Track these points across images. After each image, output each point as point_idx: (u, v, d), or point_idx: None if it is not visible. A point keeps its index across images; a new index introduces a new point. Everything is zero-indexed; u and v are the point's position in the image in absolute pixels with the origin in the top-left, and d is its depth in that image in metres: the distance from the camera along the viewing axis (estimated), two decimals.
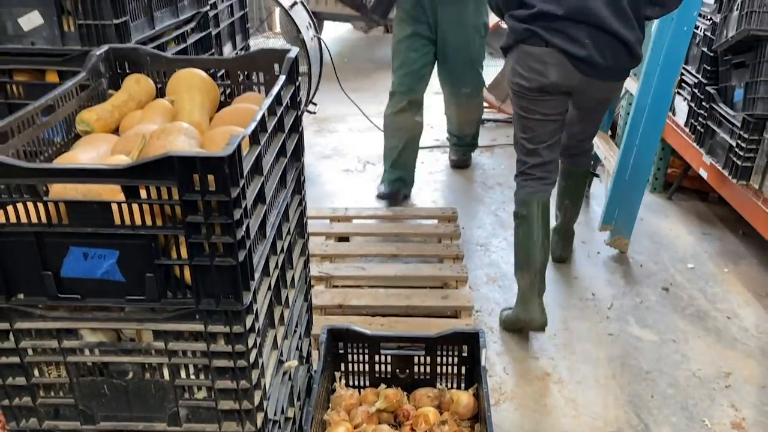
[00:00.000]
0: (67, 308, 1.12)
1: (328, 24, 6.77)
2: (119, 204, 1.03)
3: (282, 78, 1.42)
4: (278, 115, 1.35)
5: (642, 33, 2.21)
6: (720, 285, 2.92)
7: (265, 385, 1.22)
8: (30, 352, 1.16)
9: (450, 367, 1.96)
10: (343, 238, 3.09)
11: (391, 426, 1.80)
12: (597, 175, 3.60)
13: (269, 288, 1.29)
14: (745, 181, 2.71)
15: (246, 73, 1.61)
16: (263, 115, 1.22)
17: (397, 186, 3.51)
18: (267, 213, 1.24)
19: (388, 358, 1.95)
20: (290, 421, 1.54)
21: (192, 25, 2.12)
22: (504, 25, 4.43)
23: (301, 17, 3.86)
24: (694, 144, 3.15)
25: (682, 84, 3.32)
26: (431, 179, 3.92)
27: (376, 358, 1.95)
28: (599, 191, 3.64)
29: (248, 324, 1.11)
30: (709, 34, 2.97)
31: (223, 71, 1.83)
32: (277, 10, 5.32)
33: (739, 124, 2.68)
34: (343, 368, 1.97)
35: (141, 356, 1.15)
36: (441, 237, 3.03)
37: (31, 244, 1.06)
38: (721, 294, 2.86)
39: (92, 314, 1.11)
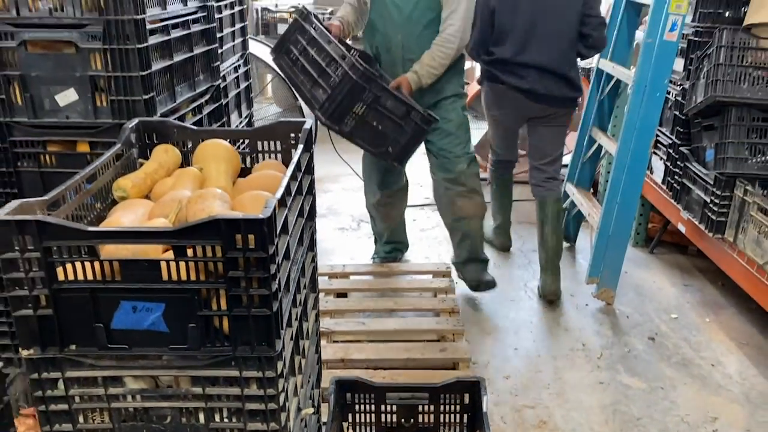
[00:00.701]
0: (114, 357, 1.23)
1: None
2: (167, 262, 1.16)
3: (300, 147, 1.58)
4: (299, 180, 1.50)
5: (577, 70, 3.17)
6: (703, 334, 3.06)
7: (290, 428, 1.33)
8: (77, 399, 1.26)
9: (453, 416, 2.05)
10: (342, 294, 3.21)
11: None
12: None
13: (291, 338, 1.41)
14: (720, 235, 2.89)
15: (264, 142, 1.76)
16: (289, 181, 1.37)
17: (393, 255, 3.59)
18: (290, 268, 1.38)
19: (394, 407, 2.04)
20: None
21: (206, 97, 2.30)
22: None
23: None
24: (672, 200, 3.35)
25: (658, 144, 3.55)
26: (423, 236, 4.07)
27: (382, 407, 2.04)
28: (585, 245, 3.81)
29: (279, 369, 1.23)
30: (680, 99, 3.21)
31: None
32: (268, 77, 5.57)
33: (711, 182, 2.89)
34: (350, 419, 2.06)
35: (179, 401, 1.26)
36: (436, 291, 3.16)
37: (86, 299, 1.18)
38: (705, 342, 2.99)
39: (137, 362, 1.23)
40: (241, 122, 2.89)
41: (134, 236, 1.15)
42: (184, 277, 1.17)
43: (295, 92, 2.95)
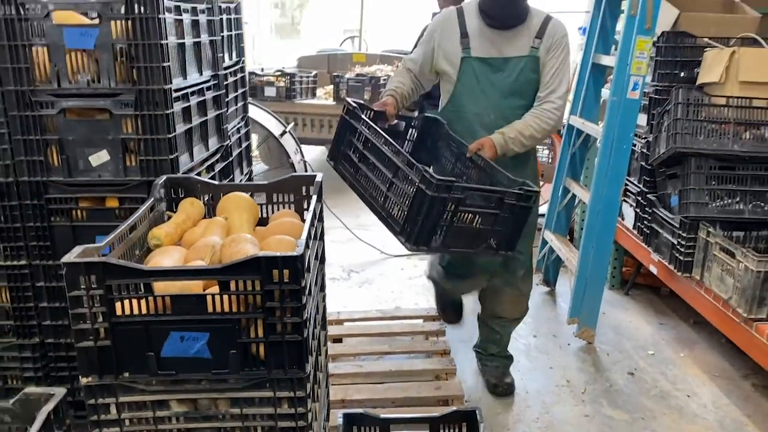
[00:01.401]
0: (162, 382, 1.40)
1: (305, 147, 7.31)
2: (213, 295, 1.35)
3: (314, 198, 1.80)
4: (315, 226, 1.71)
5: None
6: (678, 368, 3.27)
7: None
8: (127, 422, 1.42)
9: None
10: (337, 340, 3.37)
11: None
12: None
13: (313, 365, 1.59)
14: (688, 274, 3.13)
15: (277, 194, 1.97)
16: (309, 225, 1.58)
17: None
18: (310, 303, 1.57)
19: None
20: None
21: (217, 156, 2.51)
22: None
23: (290, 144, 4.33)
24: (643, 244, 3.60)
25: (627, 193, 3.83)
26: (411, 284, 4.27)
27: None
28: (564, 289, 4.04)
29: (308, 389, 1.41)
30: (645, 150, 3.51)
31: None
32: (255, 137, 5.83)
33: (677, 225, 3.15)
34: None
35: (218, 422, 1.43)
36: (428, 334, 3.34)
37: (140, 331, 1.36)
38: (680, 376, 3.20)
39: (183, 386, 1.40)
40: (242, 178, 3.10)
41: (187, 274, 1.34)
42: (227, 309, 1.36)
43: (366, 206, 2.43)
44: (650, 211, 3.47)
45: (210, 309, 1.36)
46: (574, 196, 3.88)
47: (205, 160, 2.43)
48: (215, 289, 1.37)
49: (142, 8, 1.89)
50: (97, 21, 1.91)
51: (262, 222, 1.92)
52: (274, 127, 4.45)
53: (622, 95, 3.05)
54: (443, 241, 2.15)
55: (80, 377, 1.38)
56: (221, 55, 2.58)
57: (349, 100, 2.39)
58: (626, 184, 3.79)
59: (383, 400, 2.80)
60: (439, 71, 2.62)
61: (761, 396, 3.01)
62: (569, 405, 2.95)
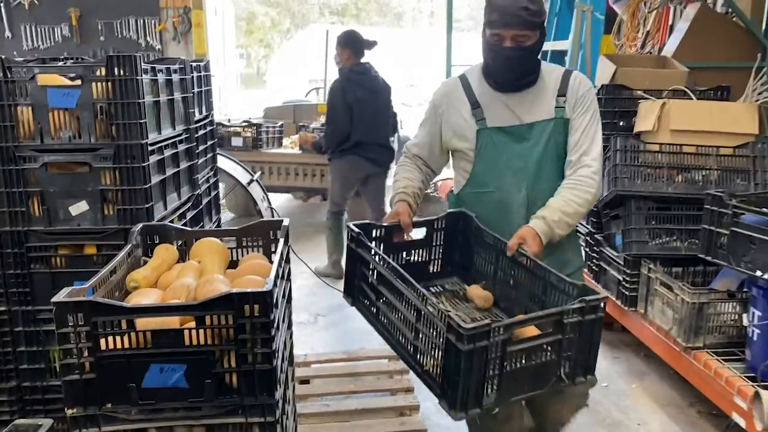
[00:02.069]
0: (142, 411, 1.52)
1: (272, 195, 7.47)
2: (190, 330, 1.49)
3: (281, 241, 1.96)
4: (282, 266, 1.87)
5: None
6: (630, 399, 3.45)
7: None
8: None
9: None
10: (305, 381, 3.47)
11: None
12: None
13: (282, 395, 1.72)
14: (634, 308, 3.35)
15: (246, 238, 2.13)
16: (277, 265, 1.74)
17: None
18: (278, 335, 1.71)
19: None
20: None
21: (189, 204, 2.67)
22: (429, 192, 5.21)
23: (257, 192, 4.49)
24: (593, 281, 3.83)
25: (578, 233, 4.07)
26: None
27: None
28: None
29: (277, 415, 1.55)
30: None
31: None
32: (221, 185, 5.99)
33: (622, 263, 3.38)
34: None
35: None
36: (392, 373, 3.47)
37: (122, 364, 1.49)
38: (632, 406, 3.38)
39: (162, 415, 1.52)
40: (211, 226, 3.24)
41: (167, 310, 1.49)
42: (202, 342, 1.50)
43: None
44: (598, 250, 3.71)
45: (187, 342, 1.50)
46: None
47: (178, 208, 2.58)
48: (192, 324, 1.51)
49: (120, 71, 2.06)
50: (79, 82, 2.07)
51: (233, 265, 2.06)
52: (241, 176, 4.61)
53: None
54: (498, 393, 1.67)
55: (66, 409, 1.49)
56: (192, 110, 2.75)
57: (351, 225, 2.06)
58: (577, 226, 4.03)
59: None
60: (451, 150, 2.29)
61: (706, 422, 3.20)
62: None
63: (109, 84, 2.07)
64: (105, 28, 7.83)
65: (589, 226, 3.85)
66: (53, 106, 2.07)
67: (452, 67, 7.25)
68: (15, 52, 7.44)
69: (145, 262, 1.99)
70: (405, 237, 2.18)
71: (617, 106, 3.58)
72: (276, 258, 1.79)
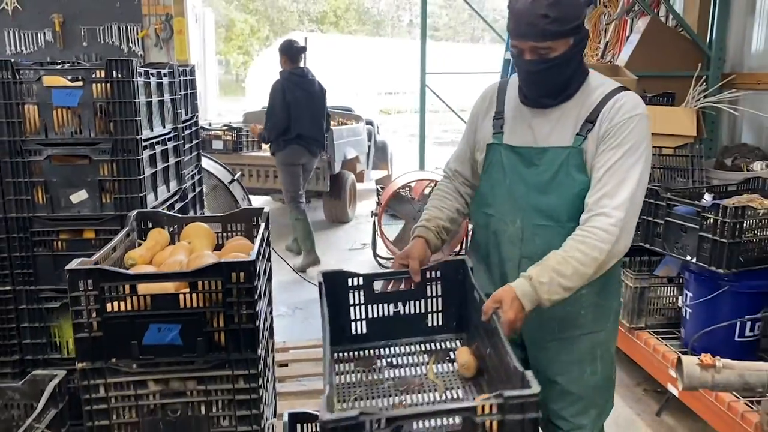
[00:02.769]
0: (142, 365, 1.77)
1: (251, 197, 7.70)
2: (184, 294, 1.74)
3: (263, 225, 2.22)
4: (263, 246, 2.12)
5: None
6: None
7: (265, 414, 1.88)
8: (113, 400, 1.77)
9: None
10: (283, 364, 3.72)
11: None
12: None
13: (263, 350, 1.98)
14: None
15: (230, 224, 2.38)
16: (259, 243, 1.99)
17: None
18: (261, 300, 1.97)
19: None
20: None
21: (176, 197, 2.91)
22: (402, 192, 5.48)
23: (238, 192, 4.74)
24: None
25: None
26: None
27: None
28: None
29: (259, 368, 1.80)
30: None
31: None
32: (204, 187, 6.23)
33: None
34: None
35: (187, 397, 1.80)
36: None
37: (125, 324, 1.74)
38: None
39: (159, 369, 1.77)
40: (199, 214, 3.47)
41: (165, 277, 1.74)
42: (195, 304, 1.75)
43: None
44: None
45: (182, 305, 1.75)
46: None
47: (166, 200, 2.82)
48: (186, 289, 1.76)
49: (118, 73, 2.31)
50: (80, 83, 2.31)
51: (218, 248, 2.31)
52: (223, 176, 4.85)
53: None
54: None
55: (77, 362, 1.73)
56: (180, 111, 3.00)
57: (320, 274, 1.87)
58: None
59: None
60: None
61: (650, 398, 3.51)
62: None
63: (108, 85, 2.31)
64: (88, 33, 8.00)
65: None
66: (57, 105, 2.30)
67: (426, 75, 7.54)
68: None
69: (140, 245, 2.24)
70: (404, 285, 1.87)
71: None
72: (257, 239, 2.05)
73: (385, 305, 1.87)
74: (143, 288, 1.76)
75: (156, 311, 1.75)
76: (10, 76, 2.28)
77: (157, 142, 2.66)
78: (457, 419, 1.26)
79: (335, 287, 1.84)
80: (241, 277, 1.75)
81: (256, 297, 1.78)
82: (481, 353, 1.65)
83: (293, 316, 4.73)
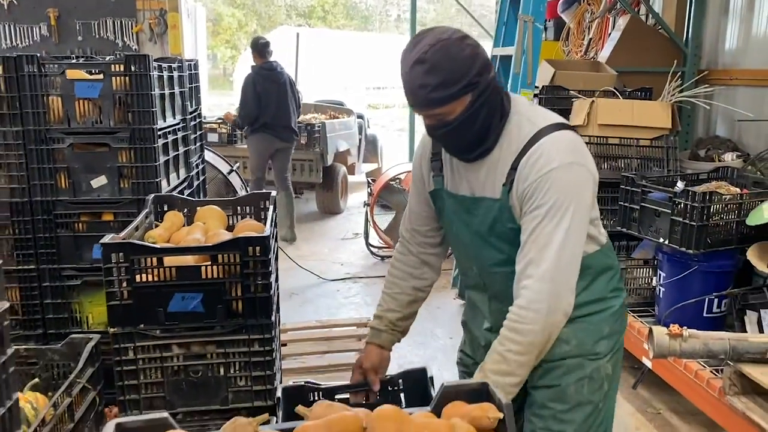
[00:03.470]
0: (167, 331, 1.96)
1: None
2: (205, 266, 1.94)
3: (271, 208, 2.42)
4: (272, 227, 2.32)
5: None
6: None
7: (277, 376, 2.08)
8: (141, 362, 1.97)
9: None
10: (283, 344, 3.92)
11: None
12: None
13: (275, 316, 2.18)
14: None
15: (240, 207, 2.58)
16: (270, 223, 2.19)
17: None
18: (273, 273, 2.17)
19: None
20: None
21: (185, 184, 3.10)
22: (393, 183, 5.67)
23: (236, 181, 4.92)
24: None
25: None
26: (347, 302, 4.89)
27: None
28: None
29: (273, 333, 2.01)
30: None
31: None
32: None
33: None
34: None
35: (207, 360, 2.00)
36: (360, 337, 3.94)
37: (152, 293, 1.93)
38: None
39: (182, 334, 1.97)
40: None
41: (189, 251, 1.94)
42: (216, 275, 1.95)
43: None
44: None
45: (203, 276, 1.95)
46: None
47: (176, 187, 3.01)
48: (207, 262, 1.96)
49: (136, 67, 2.50)
50: (101, 76, 2.50)
51: (229, 229, 2.50)
52: (222, 166, 5.03)
53: None
54: None
55: (109, 328, 1.93)
56: (187, 102, 3.19)
57: (279, 389, 1.80)
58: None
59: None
60: None
61: (627, 374, 3.72)
62: None
63: (127, 78, 2.49)
64: (83, 28, 8.12)
65: None
66: (79, 96, 2.49)
67: None
68: None
69: (157, 226, 2.43)
70: (364, 398, 1.84)
71: (555, 105, 4.09)
72: (268, 219, 2.25)
73: None
74: (169, 260, 1.96)
75: (180, 282, 1.94)
76: (35, 70, 2.46)
77: (169, 132, 2.84)
78: None
79: (296, 402, 1.50)
80: (257, 251, 1.95)
81: (270, 269, 1.98)
82: None
83: (290, 300, 4.93)
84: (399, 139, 13.49)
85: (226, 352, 2.00)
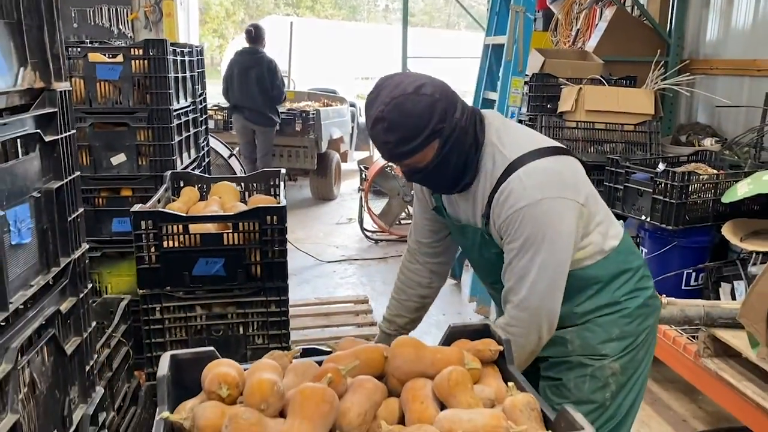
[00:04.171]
0: (191, 292, 2.14)
1: None
2: (227, 233, 2.12)
3: (281, 184, 2.59)
4: (285, 197, 2.50)
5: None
6: None
7: (290, 335, 2.27)
8: (167, 321, 2.14)
9: None
10: None
11: None
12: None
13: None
14: None
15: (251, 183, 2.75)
16: (283, 194, 2.37)
17: None
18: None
19: None
20: None
21: (195, 164, 3.27)
22: (387, 169, 5.85)
23: (236, 165, 5.08)
24: None
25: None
26: (343, 282, 5.07)
27: None
28: (468, 281, 4.94)
29: (287, 295, 2.19)
30: None
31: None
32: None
33: None
34: None
35: (228, 320, 2.18)
36: (357, 312, 4.14)
37: (178, 258, 2.11)
38: None
39: (206, 295, 2.15)
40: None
41: (212, 219, 2.11)
42: (237, 242, 2.13)
43: None
44: None
45: (225, 242, 2.13)
46: None
47: (187, 166, 3.17)
48: (229, 230, 2.14)
49: (154, 51, 2.66)
50: (121, 59, 2.66)
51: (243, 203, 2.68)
52: (222, 150, 5.19)
53: None
54: None
55: (138, 290, 2.10)
56: (197, 86, 3.35)
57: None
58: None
59: None
60: None
61: None
62: None
63: (145, 62, 2.65)
64: (78, 15, 8.20)
65: None
66: (100, 78, 2.64)
67: (407, 59, 7.90)
68: None
69: (174, 201, 2.60)
70: None
71: (545, 92, 4.30)
72: (281, 192, 2.43)
73: None
74: (194, 228, 2.13)
75: (204, 247, 2.12)
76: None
77: (182, 114, 3.01)
78: None
79: None
80: (275, 219, 2.13)
81: (286, 236, 2.16)
82: None
83: (288, 280, 5.10)
84: None
85: (245, 313, 2.18)
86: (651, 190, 3.25)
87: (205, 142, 3.85)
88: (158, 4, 8.20)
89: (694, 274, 3.24)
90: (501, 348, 1.37)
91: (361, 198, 6.20)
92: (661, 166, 3.37)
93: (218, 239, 2.12)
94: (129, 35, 8.30)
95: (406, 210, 6.14)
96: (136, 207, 2.10)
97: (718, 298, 3.11)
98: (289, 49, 8.44)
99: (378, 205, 6.43)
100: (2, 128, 1.20)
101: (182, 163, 2.97)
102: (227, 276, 2.15)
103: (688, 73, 4.47)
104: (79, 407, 1.41)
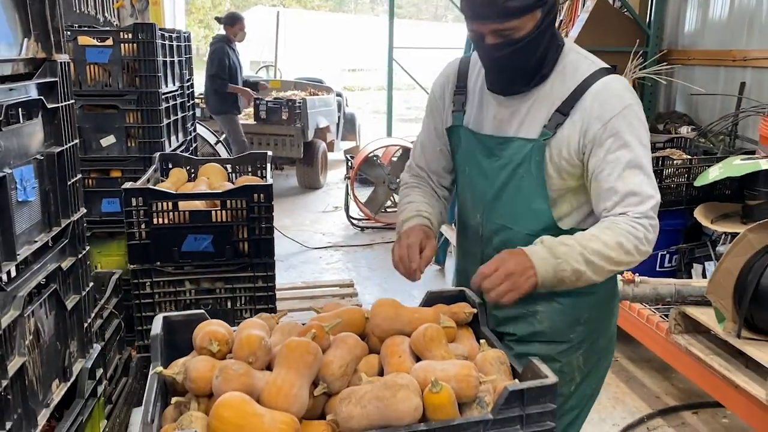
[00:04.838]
0: (181, 268, 2.21)
1: None
2: (215, 211, 2.19)
3: (269, 166, 2.66)
4: (272, 177, 2.57)
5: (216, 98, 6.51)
6: None
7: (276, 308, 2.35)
8: (156, 296, 2.21)
9: None
10: None
11: None
12: None
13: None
14: None
15: (238, 165, 2.82)
16: (269, 174, 2.44)
17: None
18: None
19: None
20: None
21: (183, 147, 3.33)
22: (373, 157, 5.91)
23: (223, 151, 5.14)
24: None
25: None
26: (329, 268, 5.15)
27: None
28: (451, 267, 5.04)
29: (274, 271, 2.27)
30: None
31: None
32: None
33: None
34: None
35: (216, 294, 2.25)
36: (343, 296, 4.22)
37: (168, 234, 2.18)
38: None
39: (194, 271, 2.22)
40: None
41: (201, 196, 2.18)
42: (225, 219, 2.20)
43: None
44: None
45: (214, 219, 2.20)
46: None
47: (175, 149, 3.23)
48: (217, 207, 2.21)
49: (143, 35, 2.71)
50: (110, 43, 2.71)
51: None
52: (209, 137, 5.24)
53: None
54: None
55: (128, 264, 2.17)
56: (185, 71, 3.40)
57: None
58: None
59: None
60: None
61: None
62: None
63: (135, 45, 2.71)
64: (63, 3, 8.14)
65: None
66: (90, 61, 2.70)
67: (393, 49, 7.96)
68: None
69: (162, 181, 2.66)
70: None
71: None
72: (268, 172, 2.50)
73: None
74: (183, 205, 2.20)
75: (193, 224, 2.19)
76: None
77: (170, 97, 3.06)
78: None
79: None
80: (262, 197, 2.21)
81: (273, 213, 2.24)
82: None
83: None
84: (374, 121, 13.70)
85: (233, 287, 2.26)
86: None
87: (193, 127, 3.91)
88: None
89: (668, 255, 3.36)
90: (475, 311, 1.45)
91: (347, 186, 6.27)
92: None
93: (207, 216, 2.19)
94: (115, 23, 8.28)
95: (391, 198, 6.23)
96: (127, 185, 2.16)
97: (691, 279, 3.22)
98: (276, 39, 8.48)
99: (364, 193, 6.51)
100: (8, 93, 1.27)
101: (170, 146, 3.03)
102: (215, 252, 2.22)
103: (665, 63, 4.58)
104: (78, 360, 1.49)
